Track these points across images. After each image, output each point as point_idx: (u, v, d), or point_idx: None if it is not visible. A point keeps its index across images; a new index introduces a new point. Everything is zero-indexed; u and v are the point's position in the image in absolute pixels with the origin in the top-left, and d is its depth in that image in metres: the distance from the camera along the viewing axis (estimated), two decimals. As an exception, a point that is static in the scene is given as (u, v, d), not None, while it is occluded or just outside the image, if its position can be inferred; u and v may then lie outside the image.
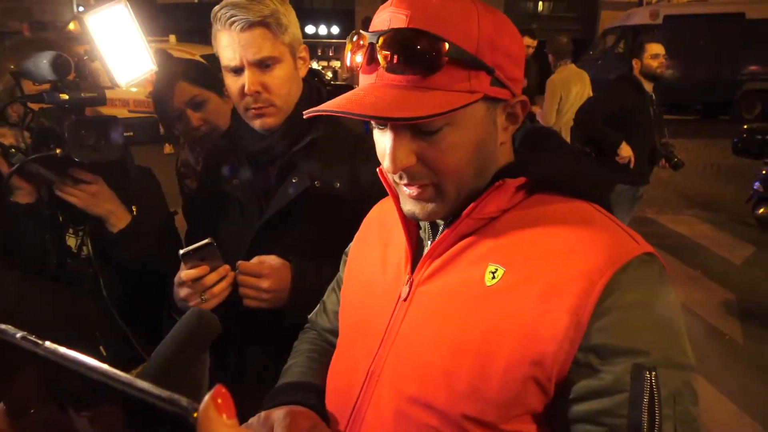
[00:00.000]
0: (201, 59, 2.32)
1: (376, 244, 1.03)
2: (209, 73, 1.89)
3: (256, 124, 1.35)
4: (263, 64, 1.29)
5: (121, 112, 1.33)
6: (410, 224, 0.91)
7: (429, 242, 0.91)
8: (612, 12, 18.64)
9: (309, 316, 1.23)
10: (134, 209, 1.44)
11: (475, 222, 0.83)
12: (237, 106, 1.37)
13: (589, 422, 0.73)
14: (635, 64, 3.98)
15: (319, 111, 0.77)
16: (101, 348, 1.38)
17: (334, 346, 1.07)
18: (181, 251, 1.23)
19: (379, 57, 0.75)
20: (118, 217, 1.41)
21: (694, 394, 0.72)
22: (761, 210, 5.31)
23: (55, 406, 0.35)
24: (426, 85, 0.74)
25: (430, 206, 0.83)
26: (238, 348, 1.42)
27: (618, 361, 0.71)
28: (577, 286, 0.72)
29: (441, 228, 0.89)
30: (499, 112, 0.82)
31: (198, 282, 1.24)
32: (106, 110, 1.43)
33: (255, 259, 1.31)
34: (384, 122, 0.78)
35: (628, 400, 0.69)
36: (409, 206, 0.85)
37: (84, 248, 1.42)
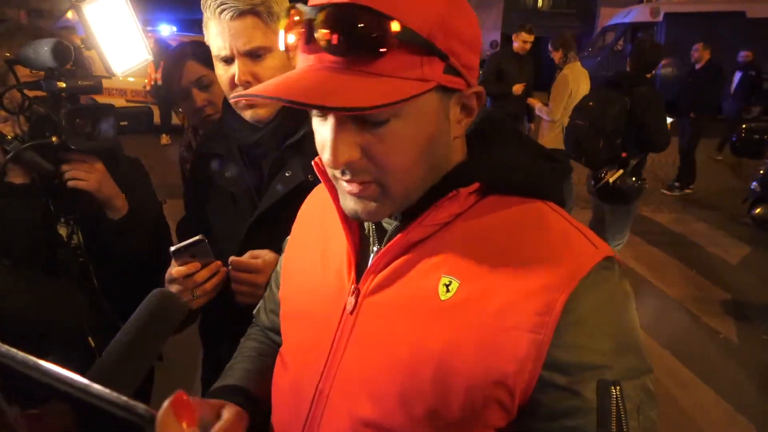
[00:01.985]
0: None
1: (315, 241, 0.94)
2: None
3: (247, 114, 1.33)
4: (254, 54, 1.26)
5: (119, 102, 1.34)
6: (352, 224, 0.83)
7: (375, 247, 0.84)
8: (611, 9, 18.59)
9: (254, 311, 1.20)
10: (125, 198, 1.43)
11: (427, 228, 0.77)
12: (227, 96, 1.35)
13: None
14: (654, 71, 3.90)
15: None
16: (90, 339, 1.36)
17: (277, 344, 1.02)
18: (172, 248, 1.22)
19: (318, 36, 0.65)
20: (123, 202, 1.40)
21: (653, 398, 0.71)
22: (758, 210, 5.31)
23: (11, 407, 0.34)
24: (372, 71, 0.65)
25: (373, 205, 0.75)
26: (230, 344, 1.41)
27: (583, 378, 0.68)
28: (537, 302, 0.68)
29: (388, 233, 0.81)
30: (452, 103, 0.73)
31: (189, 279, 1.22)
32: (103, 100, 1.42)
33: (248, 254, 1.29)
34: (322, 111, 0.69)
35: (596, 417, 0.67)
36: (351, 204, 0.76)
37: (74, 237, 1.40)
